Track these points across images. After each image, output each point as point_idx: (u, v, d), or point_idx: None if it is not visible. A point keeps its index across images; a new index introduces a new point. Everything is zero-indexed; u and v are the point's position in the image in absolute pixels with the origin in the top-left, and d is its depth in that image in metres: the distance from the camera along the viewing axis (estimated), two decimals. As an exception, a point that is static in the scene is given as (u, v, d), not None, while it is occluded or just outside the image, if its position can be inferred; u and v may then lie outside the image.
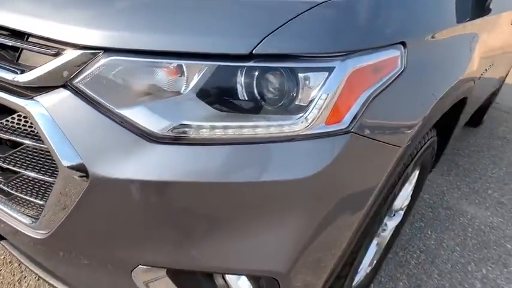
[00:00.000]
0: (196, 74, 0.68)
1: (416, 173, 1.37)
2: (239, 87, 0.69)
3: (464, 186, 2.51)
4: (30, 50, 0.71)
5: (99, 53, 0.66)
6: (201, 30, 0.67)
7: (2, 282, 1.34)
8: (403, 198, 1.36)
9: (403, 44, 0.81)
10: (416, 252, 1.86)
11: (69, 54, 0.67)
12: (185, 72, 0.69)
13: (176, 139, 0.68)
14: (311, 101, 0.70)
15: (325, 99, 0.69)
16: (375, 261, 1.49)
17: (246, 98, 0.70)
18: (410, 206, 1.59)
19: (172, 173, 0.67)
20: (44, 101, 0.69)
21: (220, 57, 0.67)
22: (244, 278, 0.84)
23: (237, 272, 0.79)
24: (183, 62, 0.68)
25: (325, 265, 0.88)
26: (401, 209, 1.52)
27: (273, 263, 0.76)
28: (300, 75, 0.69)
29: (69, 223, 0.74)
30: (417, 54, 0.86)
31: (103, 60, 0.66)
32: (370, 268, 1.43)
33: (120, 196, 0.69)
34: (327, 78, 0.69)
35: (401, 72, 0.80)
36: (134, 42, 0.66)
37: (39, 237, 0.80)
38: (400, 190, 1.10)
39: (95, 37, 0.66)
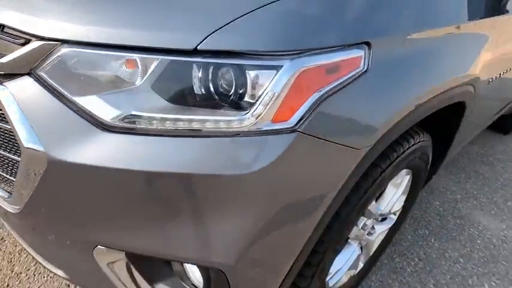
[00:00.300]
0: (151, 67, 0.71)
1: (407, 178, 1.33)
2: (189, 82, 0.71)
3: (482, 196, 2.38)
4: (4, 40, 0.77)
5: (57, 44, 0.71)
6: (151, 25, 0.70)
7: (4, 251, 1.46)
8: (389, 203, 1.32)
9: (368, 44, 0.79)
10: (414, 260, 1.81)
11: (33, 45, 0.72)
12: (139, 65, 0.71)
13: (126, 129, 0.72)
14: (258, 98, 0.70)
15: (272, 97, 0.70)
16: (362, 264, 1.47)
17: (196, 93, 0.71)
18: (405, 211, 1.54)
19: (120, 161, 0.71)
20: (11, 86, 0.75)
21: (169, 52, 0.69)
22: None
23: (185, 261, 0.82)
24: (135, 55, 0.71)
25: (281, 264, 0.89)
26: (392, 213, 1.48)
27: (218, 255, 0.77)
28: (248, 72, 0.70)
29: (34, 200, 0.80)
30: (387, 55, 0.84)
31: (61, 51, 0.71)
32: (354, 271, 1.41)
33: (73, 179, 0.74)
34: (275, 76, 0.70)
35: (364, 72, 0.79)
36: (89, 35, 0.70)
37: (14, 211, 0.87)
38: (374, 194, 1.07)
39: (53, 29, 0.71)
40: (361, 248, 1.43)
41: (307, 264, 1.02)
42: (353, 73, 0.78)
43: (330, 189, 0.82)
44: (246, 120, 0.71)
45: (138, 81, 0.72)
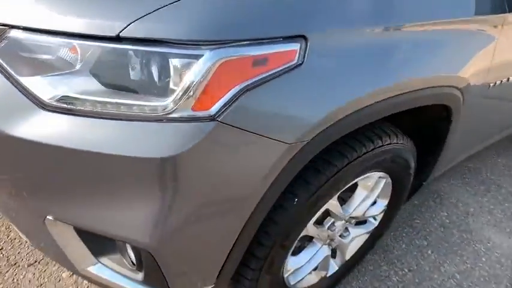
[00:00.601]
0: (88, 53, 0.76)
1: (382, 181, 1.27)
2: (119, 68, 0.75)
3: (499, 212, 2.21)
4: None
5: (6, 28, 0.78)
6: (83, 12, 0.74)
7: (3, 218, 1.62)
8: (362, 206, 1.28)
9: (304, 37, 0.78)
10: (403, 270, 1.73)
11: (-15, 28, 0.80)
12: (78, 50, 0.77)
13: (62, 109, 0.77)
14: (180, 86, 0.73)
15: (191, 85, 0.72)
16: (336, 267, 1.44)
17: (125, 78, 0.75)
18: (388, 217, 1.49)
19: (54, 138, 0.76)
20: (-29, 65, 0.83)
21: (96, 39, 0.73)
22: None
23: (118, 238, 0.86)
24: (73, 42, 0.76)
25: (214, 252, 0.91)
26: (372, 217, 1.44)
27: (142, 236, 0.81)
28: (171, 60, 0.72)
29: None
30: (330, 48, 0.82)
31: (9, 35, 0.78)
32: (325, 272, 1.38)
33: (18, 152, 0.81)
34: (195, 66, 0.71)
35: (298, 66, 0.78)
36: (33, 21, 0.76)
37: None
38: (330, 193, 1.05)
39: (3, 15, 0.78)
40: (335, 250, 1.40)
41: (253, 256, 1.03)
42: (284, 66, 0.77)
43: (259, 181, 0.82)
44: (168, 107, 0.73)
45: (78, 66, 0.77)
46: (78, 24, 0.74)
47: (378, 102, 0.92)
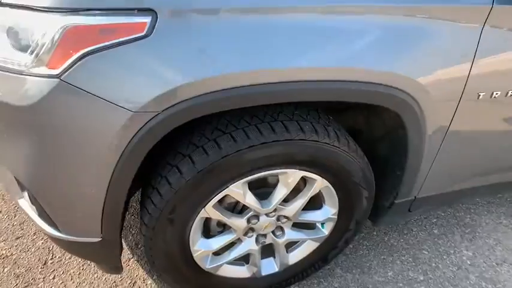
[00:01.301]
0: None
1: (314, 182, 1.15)
2: (11, 30, 0.90)
3: (556, 270, 1.71)
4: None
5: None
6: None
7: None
8: (292, 206, 1.18)
9: (155, 12, 0.81)
10: (374, 298, 1.51)
11: None
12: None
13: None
14: (37, 46, 0.84)
15: (44, 47, 0.82)
16: (277, 268, 1.37)
17: (15, 39, 0.90)
18: (343, 230, 1.33)
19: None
20: None
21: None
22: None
23: (14, 176, 1.03)
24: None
25: (86, 207, 1.00)
26: (320, 224, 1.32)
27: (19, 173, 0.98)
28: (34, 24, 0.84)
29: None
30: (183, 25, 0.82)
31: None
32: (256, 269, 1.33)
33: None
34: (48, 29, 0.82)
35: (145, 37, 0.81)
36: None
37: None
38: (219, 179, 1.02)
39: None
40: (273, 248, 1.33)
41: (142, 222, 1.09)
42: (132, 37, 0.81)
43: (107, 145, 0.88)
44: (29, 64, 0.86)
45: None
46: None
47: (253, 85, 0.87)
